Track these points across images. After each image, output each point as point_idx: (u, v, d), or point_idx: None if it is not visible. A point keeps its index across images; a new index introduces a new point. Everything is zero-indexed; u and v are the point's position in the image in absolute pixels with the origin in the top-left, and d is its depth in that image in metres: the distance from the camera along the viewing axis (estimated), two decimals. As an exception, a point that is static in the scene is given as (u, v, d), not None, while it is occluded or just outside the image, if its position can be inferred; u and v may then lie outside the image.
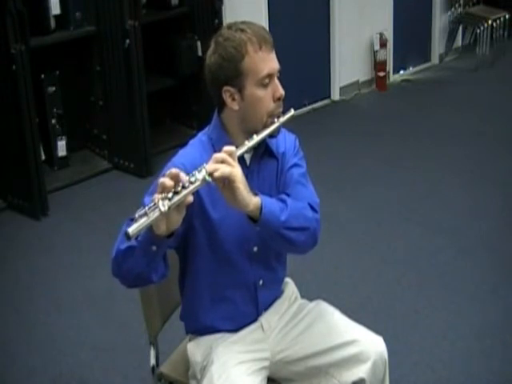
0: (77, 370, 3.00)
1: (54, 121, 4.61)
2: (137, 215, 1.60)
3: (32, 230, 4.16)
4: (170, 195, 1.62)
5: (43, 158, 4.45)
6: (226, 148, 1.74)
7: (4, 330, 3.29)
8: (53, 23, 4.38)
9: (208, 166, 1.69)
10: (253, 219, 1.80)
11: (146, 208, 1.60)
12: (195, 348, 2.06)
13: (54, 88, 4.56)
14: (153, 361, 2.21)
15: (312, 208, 1.94)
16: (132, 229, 1.57)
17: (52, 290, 3.56)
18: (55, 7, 4.34)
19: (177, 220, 1.68)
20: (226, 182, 1.71)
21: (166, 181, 1.64)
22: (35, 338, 3.21)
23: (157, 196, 1.62)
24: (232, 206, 1.76)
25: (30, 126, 4.08)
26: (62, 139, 4.68)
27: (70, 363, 3.04)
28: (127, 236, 1.57)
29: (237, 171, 1.71)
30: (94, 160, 4.93)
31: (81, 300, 3.48)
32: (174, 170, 1.66)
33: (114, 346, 3.13)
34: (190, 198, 1.66)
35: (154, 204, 1.60)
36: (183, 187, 1.64)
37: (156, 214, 1.59)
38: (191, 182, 1.65)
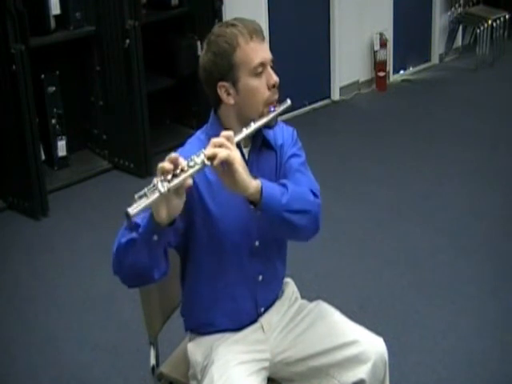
0: (77, 370, 2.99)
1: (53, 121, 4.61)
2: (136, 196, 1.60)
3: (32, 229, 4.16)
4: (169, 177, 1.62)
5: (43, 157, 4.45)
6: (224, 132, 1.74)
7: (4, 329, 3.29)
8: (53, 23, 4.38)
9: (206, 150, 1.69)
10: (253, 203, 1.79)
11: (146, 189, 1.60)
12: (195, 348, 2.06)
13: (54, 88, 4.56)
14: (153, 361, 2.21)
15: (313, 193, 1.94)
16: (132, 208, 1.56)
17: (52, 290, 3.56)
18: (55, 7, 4.34)
19: (177, 204, 1.68)
20: (225, 166, 1.71)
21: (166, 164, 1.64)
22: (35, 338, 3.21)
23: (156, 178, 1.62)
24: (232, 190, 1.74)
25: (30, 125, 4.08)
26: (62, 139, 4.68)
27: (70, 363, 3.04)
28: (127, 216, 1.56)
29: (235, 154, 1.71)
30: (93, 160, 4.92)
31: (81, 300, 3.48)
32: (173, 154, 1.66)
33: (114, 346, 3.13)
34: (190, 181, 1.66)
35: (154, 185, 1.60)
36: (182, 171, 1.64)
37: (156, 195, 1.59)
38: (190, 166, 1.66)
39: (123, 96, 4.59)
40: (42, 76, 4.48)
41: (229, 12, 4.97)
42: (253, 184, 1.76)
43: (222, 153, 1.68)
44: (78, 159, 4.89)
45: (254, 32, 1.87)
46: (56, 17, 4.38)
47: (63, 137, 4.68)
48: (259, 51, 1.87)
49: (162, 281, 1.84)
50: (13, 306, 3.46)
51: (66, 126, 4.69)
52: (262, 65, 1.88)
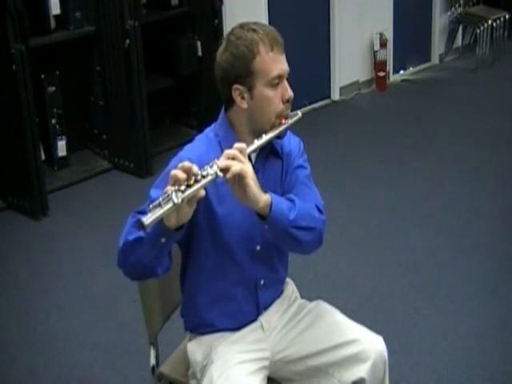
0: (77, 370, 2.99)
1: (53, 121, 4.61)
2: (151, 206, 1.61)
3: (32, 229, 4.15)
4: (182, 188, 1.63)
5: (43, 158, 4.45)
6: (237, 145, 1.75)
7: (4, 329, 3.29)
8: (53, 23, 4.38)
9: (220, 161, 1.70)
10: (261, 217, 1.81)
11: (160, 199, 1.61)
12: (195, 347, 2.06)
13: (53, 88, 4.56)
14: (153, 361, 2.21)
15: (318, 209, 1.96)
16: (146, 218, 1.57)
17: (52, 290, 3.56)
18: (55, 7, 4.34)
19: (187, 213, 1.69)
20: (237, 178, 1.72)
21: (179, 173, 1.65)
22: (35, 338, 3.21)
23: (170, 188, 1.63)
24: (242, 203, 1.76)
25: (30, 125, 4.08)
26: (62, 139, 4.68)
27: (70, 363, 3.04)
28: (142, 226, 1.57)
29: (248, 168, 1.73)
30: (93, 160, 4.92)
31: (81, 300, 3.47)
32: (186, 163, 1.67)
33: (114, 346, 3.13)
34: (203, 192, 1.68)
35: (168, 195, 1.61)
36: (196, 181, 1.65)
37: (169, 205, 1.60)
38: (203, 176, 1.66)
39: (123, 96, 4.59)
40: (42, 76, 4.48)
41: (229, 12, 4.97)
42: (263, 198, 1.77)
43: (235, 166, 1.70)
44: (77, 159, 4.89)
45: (275, 42, 1.88)
46: (56, 17, 4.38)
47: (63, 137, 4.67)
48: (278, 63, 1.89)
49: (162, 281, 1.84)
50: (13, 306, 3.46)
51: (66, 126, 4.69)
52: (280, 77, 1.89)
